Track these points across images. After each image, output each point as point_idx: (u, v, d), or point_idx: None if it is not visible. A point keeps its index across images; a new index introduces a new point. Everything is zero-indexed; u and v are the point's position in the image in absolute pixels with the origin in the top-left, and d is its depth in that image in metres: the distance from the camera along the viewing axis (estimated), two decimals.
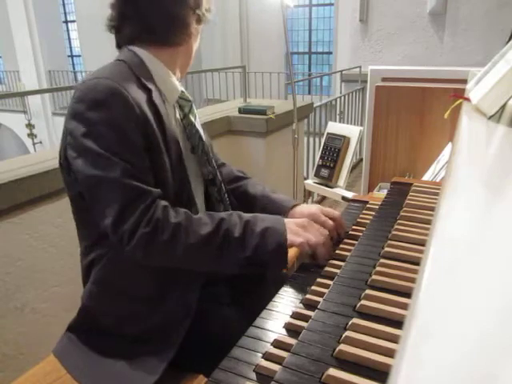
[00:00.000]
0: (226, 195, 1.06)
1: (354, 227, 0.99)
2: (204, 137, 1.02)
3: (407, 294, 0.66)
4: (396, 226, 0.90)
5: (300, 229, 0.87)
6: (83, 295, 0.96)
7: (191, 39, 0.96)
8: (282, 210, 1.02)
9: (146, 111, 0.83)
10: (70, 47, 11.99)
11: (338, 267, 0.80)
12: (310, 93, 8.75)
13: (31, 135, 2.32)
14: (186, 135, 0.98)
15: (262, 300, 0.76)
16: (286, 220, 0.88)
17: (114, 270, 0.91)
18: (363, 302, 0.65)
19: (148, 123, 0.83)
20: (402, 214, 0.96)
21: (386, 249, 0.80)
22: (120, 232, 0.79)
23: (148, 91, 0.87)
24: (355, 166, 4.28)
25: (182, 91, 0.98)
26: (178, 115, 0.98)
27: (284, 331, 0.67)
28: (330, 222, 0.95)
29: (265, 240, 0.83)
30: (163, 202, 0.83)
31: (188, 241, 0.80)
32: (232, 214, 0.87)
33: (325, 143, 2.01)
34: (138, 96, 0.83)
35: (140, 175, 0.81)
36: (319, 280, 0.79)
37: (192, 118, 0.99)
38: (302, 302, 0.74)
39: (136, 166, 0.80)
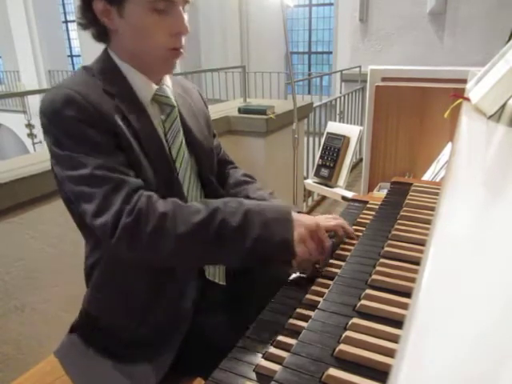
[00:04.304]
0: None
1: (354, 227, 0.99)
2: (195, 147, 0.98)
3: (407, 293, 0.66)
4: (396, 226, 0.90)
5: (308, 235, 0.81)
6: (84, 298, 0.97)
7: (113, 20, 0.84)
8: None
9: (111, 114, 0.82)
10: (70, 47, 11.99)
11: (338, 267, 0.80)
12: (309, 93, 8.74)
13: (31, 135, 2.32)
14: (166, 139, 0.93)
15: (259, 302, 0.76)
16: (296, 215, 0.83)
17: (109, 275, 0.91)
18: (363, 301, 0.65)
19: (115, 125, 0.82)
20: (402, 213, 0.96)
21: (386, 248, 0.80)
22: (102, 224, 0.76)
23: (112, 96, 0.85)
24: (355, 166, 4.27)
25: (159, 94, 0.92)
26: (162, 116, 0.94)
27: (284, 331, 0.67)
28: (333, 223, 0.92)
29: (268, 231, 0.78)
30: (148, 192, 0.80)
31: (177, 230, 0.76)
32: (230, 201, 0.81)
33: (325, 143, 2.01)
34: (101, 100, 0.82)
35: (115, 167, 0.79)
36: (319, 280, 0.79)
37: (168, 125, 0.93)
38: (302, 301, 0.74)
39: (108, 160, 0.79)
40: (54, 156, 0.82)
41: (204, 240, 0.77)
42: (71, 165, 0.79)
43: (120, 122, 0.83)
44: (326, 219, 0.93)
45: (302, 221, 0.82)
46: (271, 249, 0.79)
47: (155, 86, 0.92)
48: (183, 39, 0.87)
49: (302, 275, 0.84)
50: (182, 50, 0.88)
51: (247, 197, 1.07)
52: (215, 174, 1.06)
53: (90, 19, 0.86)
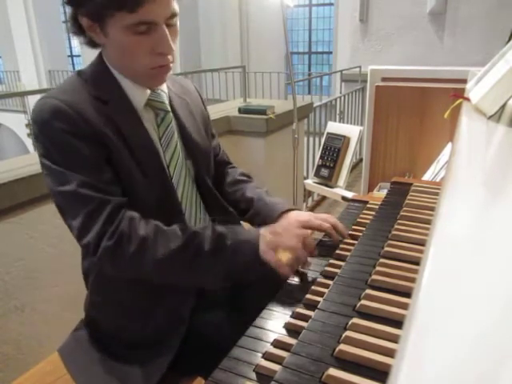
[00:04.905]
0: (222, 200, 1.05)
1: (354, 227, 0.99)
2: (190, 149, 0.98)
3: (407, 293, 0.66)
4: (396, 226, 0.90)
5: (274, 237, 0.84)
6: (85, 302, 0.99)
7: (99, 35, 0.83)
8: (274, 213, 1.00)
9: (99, 124, 0.81)
10: (70, 47, 11.99)
11: (338, 267, 0.80)
12: (309, 93, 8.74)
13: (31, 135, 2.33)
14: (160, 144, 0.92)
15: (259, 302, 0.76)
16: (262, 230, 0.86)
17: (104, 279, 0.92)
18: (363, 301, 0.65)
19: (104, 135, 0.82)
20: (402, 213, 0.96)
21: (386, 249, 0.80)
22: (85, 243, 0.79)
23: (104, 103, 0.84)
24: (355, 166, 4.27)
25: (153, 99, 0.91)
26: (157, 119, 0.93)
27: (284, 331, 0.67)
28: (326, 225, 0.94)
29: (236, 253, 0.82)
30: (130, 213, 0.81)
31: (156, 254, 0.79)
32: (206, 227, 0.85)
33: (325, 143, 2.01)
34: (91, 109, 0.82)
35: (99, 186, 0.80)
36: (319, 280, 0.79)
37: (162, 129, 0.93)
38: (302, 301, 0.74)
39: (93, 178, 0.80)
40: (43, 165, 0.83)
41: (180, 263, 0.82)
42: (57, 179, 0.80)
43: (110, 132, 0.83)
44: (313, 218, 0.96)
45: (266, 229, 0.86)
46: (242, 268, 0.82)
47: (149, 91, 0.91)
48: (170, 56, 0.85)
49: (292, 281, 0.83)
50: (170, 65, 0.87)
51: (244, 195, 1.08)
52: (212, 176, 1.06)
53: (78, 30, 0.86)
